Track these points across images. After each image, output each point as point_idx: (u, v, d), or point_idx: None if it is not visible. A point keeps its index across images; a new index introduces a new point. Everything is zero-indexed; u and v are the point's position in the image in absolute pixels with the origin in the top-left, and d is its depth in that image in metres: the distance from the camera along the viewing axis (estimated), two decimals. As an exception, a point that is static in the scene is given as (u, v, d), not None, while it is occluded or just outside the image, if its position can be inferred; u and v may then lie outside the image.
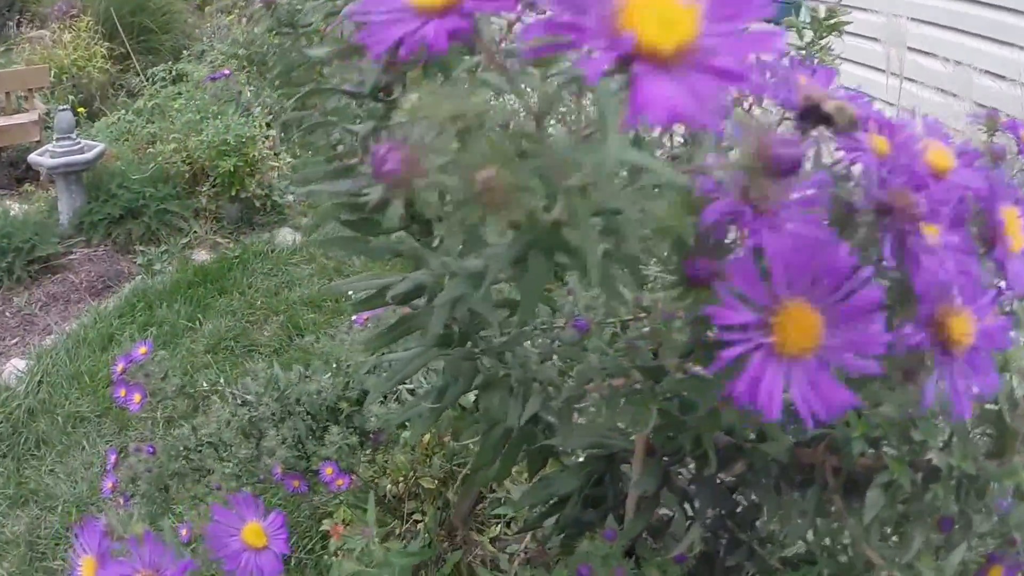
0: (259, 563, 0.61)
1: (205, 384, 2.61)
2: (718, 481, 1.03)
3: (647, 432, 1.02)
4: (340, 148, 0.88)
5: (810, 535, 0.99)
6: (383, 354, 2.07)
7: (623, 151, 0.39)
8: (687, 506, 1.09)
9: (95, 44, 4.93)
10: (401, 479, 2.54)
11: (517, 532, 1.32)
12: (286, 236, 4.03)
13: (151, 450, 1.91)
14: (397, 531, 2.50)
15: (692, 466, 1.06)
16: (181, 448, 1.94)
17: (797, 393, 0.43)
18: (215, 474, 1.90)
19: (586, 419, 1.07)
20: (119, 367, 1.85)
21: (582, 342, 0.86)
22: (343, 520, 2.53)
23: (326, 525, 2.48)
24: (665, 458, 1.01)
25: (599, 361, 0.82)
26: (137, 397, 1.83)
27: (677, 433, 0.86)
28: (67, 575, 0.72)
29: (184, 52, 4.58)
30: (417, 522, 2.47)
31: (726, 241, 0.51)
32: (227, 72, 2.20)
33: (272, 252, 3.91)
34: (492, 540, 2.01)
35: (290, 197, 4.20)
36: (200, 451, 1.96)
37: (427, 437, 2.43)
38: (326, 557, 2.43)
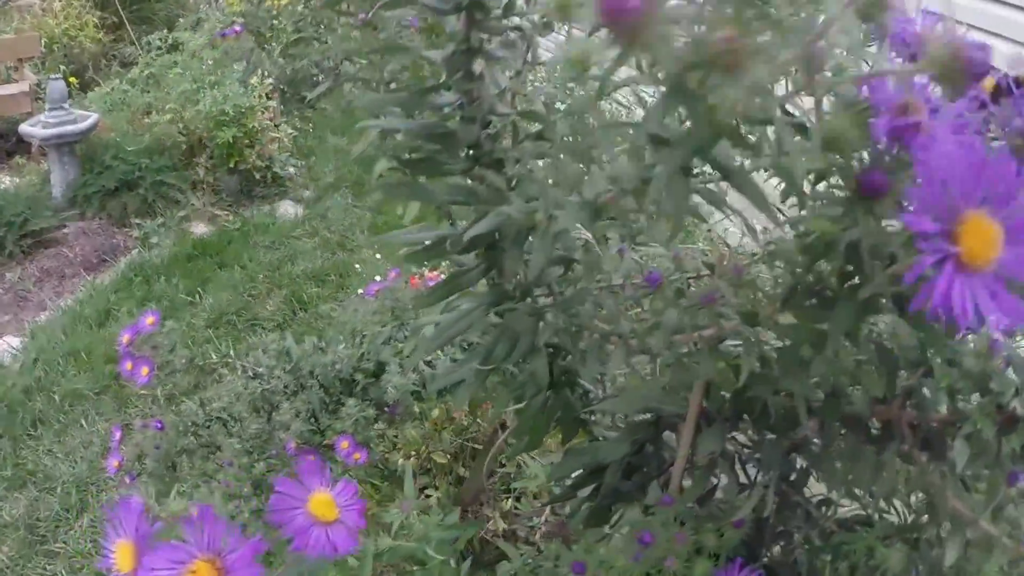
0: (332, 538, 0.55)
1: (214, 357, 2.54)
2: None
3: (700, 398, 0.97)
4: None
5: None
6: (414, 320, 2.02)
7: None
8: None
9: (86, 13, 4.81)
10: (413, 453, 2.49)
11: (546, 504, 1.26)
12: (287, 209, 3.95)
13: (159, 426, 1.84)
14: None
15: (749, 431, 1.00)
16: (189, 424, 1.87)
17: (982, 304, 0.42)
18: (225, 450, 1.84)
19: (635, 384, 1.01)
20: (125, 338, 1.77)
21: (659, 293, 0.80)
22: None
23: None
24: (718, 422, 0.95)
25: (678, 315, 0.75)
26: (145, 370, 1.75)
27: (762, 389, 0.80)
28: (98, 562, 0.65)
29: (179, 20, 4.46)
30: (428, 496, 2.42)
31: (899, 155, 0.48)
32: (238, 28, 2.10)
33: (273, 225, 3.83)
34: (504, 515, 1.96)
35: (291, 169, 4.12)
36: (209, 427, 1.90)
37: (436, 412, 2.38)
38: None
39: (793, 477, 1.02)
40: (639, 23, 0.36)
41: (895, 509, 1.00)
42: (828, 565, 1.00)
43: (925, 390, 0.86)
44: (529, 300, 0.86)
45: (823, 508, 1.02)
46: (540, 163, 0.73)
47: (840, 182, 0.55)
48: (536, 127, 0.77)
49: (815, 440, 0.94)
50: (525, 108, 0.77)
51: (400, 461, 2.42)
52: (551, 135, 0.74)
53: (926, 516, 0.95)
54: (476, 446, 2.50)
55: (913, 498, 0.97)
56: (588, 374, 1.14)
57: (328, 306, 3.37)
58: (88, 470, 2.54)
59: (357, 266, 3.61)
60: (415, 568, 1.08)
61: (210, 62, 3.76)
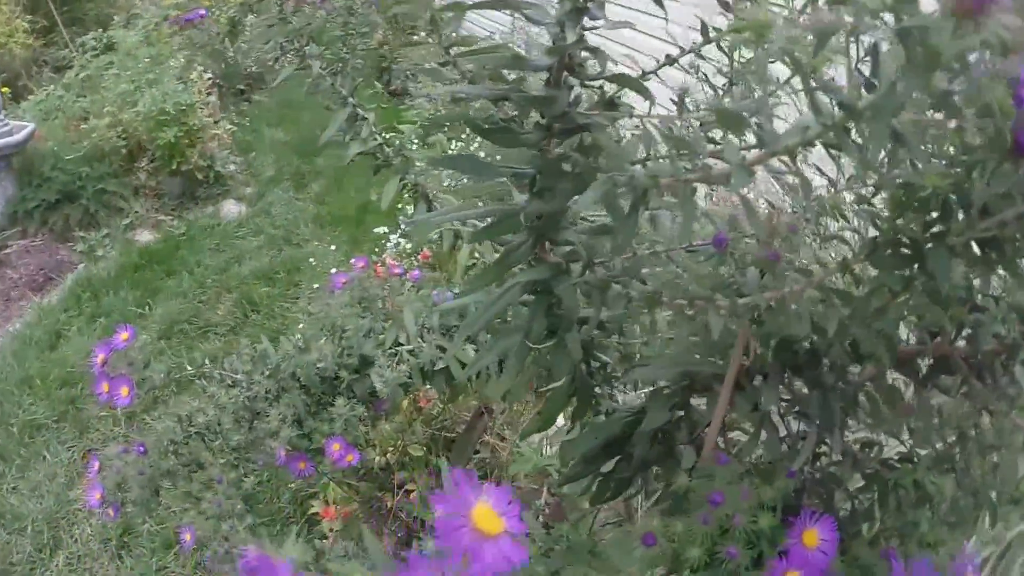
0: (503, 551, 0.49)
1: (190, 368, 2.45)
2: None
3: (740, 356, 0.95)
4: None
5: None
6: (385, 311, 1.96)
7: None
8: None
9: (15, 18, 4.59)
10: (390, 448, 2.44)
11: (563, 482, 1.23)
12: (231, 208, 3.84)
13: (142, 449, 1.73)
14: (389, 504, 2.41)
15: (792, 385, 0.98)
16: (168, 443, 1.78)
17: None
18: (209, 467, 1.75)
19: (676, 346, 0.99)
20: (99, 358, 1.66)
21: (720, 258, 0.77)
22: (332, 500, 2.42)
23: (315, 507, 2.37)
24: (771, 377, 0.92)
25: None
26: (124, 390, 1.64)
27: (822, 342, 0.78)
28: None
29: (114, 19, 4.27)
30: (409, 491, 2.37)
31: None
32: (202, 12, 2.01)
33: (218, 227, 3.72)
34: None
35: (232, 167, 4.00)
36: (188, 443, 1.81)
37: (405, 403, 2.33)
38: (316, 541, 2.32)
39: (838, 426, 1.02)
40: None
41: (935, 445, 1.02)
42: (876, 503, 1.00)
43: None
44: (585, 272, 0.82)
45: (867, 450, 1.02)
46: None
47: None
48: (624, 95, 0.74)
49: (866, 384, 0.93)
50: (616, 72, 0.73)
51: (377, 458, 2.38)
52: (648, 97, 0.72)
53: (958, 447, 0.98)
54: (448, 435, 2.47)
55: (949, 432, 1.00)
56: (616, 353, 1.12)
57: (281, 305, 3.30)
58: (56, 504, 2.43)
59: (312, 260, 3.53)
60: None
61: (147, 60, 3.61)
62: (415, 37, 4.80)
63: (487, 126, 0.72)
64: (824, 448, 1.06)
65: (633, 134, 0.77)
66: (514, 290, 0.86)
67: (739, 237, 0.87)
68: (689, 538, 0.86)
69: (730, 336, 0.97)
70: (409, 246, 2.97)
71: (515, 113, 0.73)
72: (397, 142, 1.57)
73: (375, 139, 1.57)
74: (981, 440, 0.99)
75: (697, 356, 1.00)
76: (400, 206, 3.40)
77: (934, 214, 0.73)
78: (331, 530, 2.37)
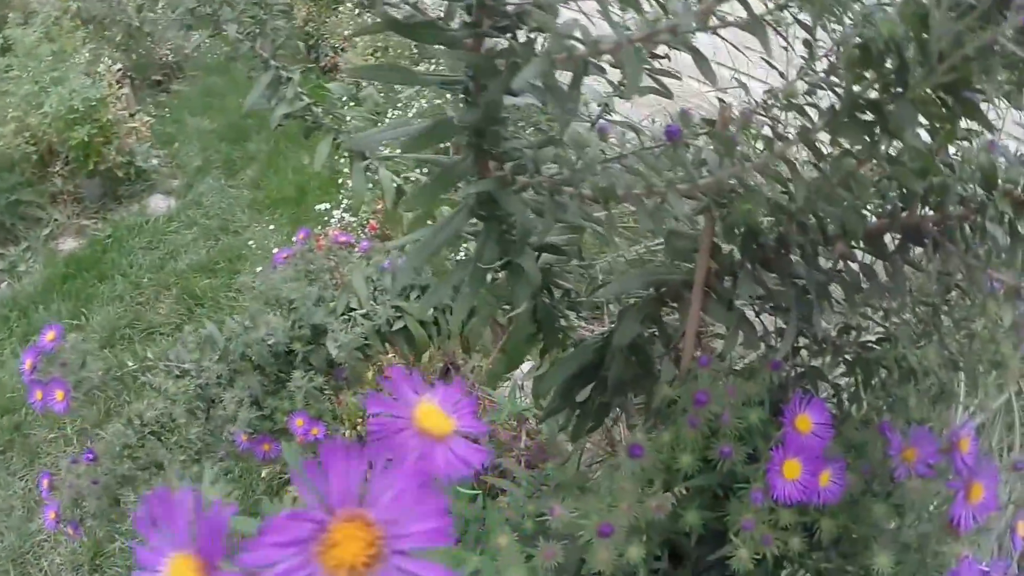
0: (459, 455, 0.42)
1: (131, 363, 2.35)
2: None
3: (707, 259, 0.92)
4: None
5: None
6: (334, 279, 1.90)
7: None
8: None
9: None
10: (359, 420, 2.39)
11: (542, 419, 1.20)
12: (158, 203, 3.71)
13: (91, 456, 1.64)
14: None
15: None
16: (120, 447, 1.70)
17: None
18: (168, 467, 1.68)
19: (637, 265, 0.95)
20: (27, 364, 1.57)
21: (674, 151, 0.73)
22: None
23: (292, 492, 2.31)
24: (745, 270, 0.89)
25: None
26: (60, 394, 1.55)
27: (789, 227, 0.75)
28: None
29: (9, 17, 4.05)
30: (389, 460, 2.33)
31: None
32: None
33: (146, 224, 3.59)
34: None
35: (155, 161, 3.85)
36: (143, 445, 1.73)
37: (371, 375, 2.28)
38: None
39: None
40: None
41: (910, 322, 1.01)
42: (861, 386, 0.99)
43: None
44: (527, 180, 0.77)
45: (845, 336, 1.00)
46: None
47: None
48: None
49: (838, 269, 0.91)
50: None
51: (347, 432, 2.33)
52: None
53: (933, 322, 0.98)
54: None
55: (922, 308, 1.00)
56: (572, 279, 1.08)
57: (226, 295, 3.20)
58: (19, 539, 2.33)
59: (251, 243, 3.43)
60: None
61: (49, 57, 3.43)
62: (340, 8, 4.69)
63: (411, 23, 0.66)
64: (803, 343, 1.04)
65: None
66: (459, 216, 0.81)
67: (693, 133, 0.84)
68: (678, 445, 0.82)
69: (693, 241, 0.94)
70: (355, 219, 2.89)
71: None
72: (326, 102, 1.49)
73: (301, 99, 1.50)
74: (954, 313, 0.99)
75: (662, 265, 0.97)
76: (341, 181, 3.33)
77: (890, 68, 0.70)
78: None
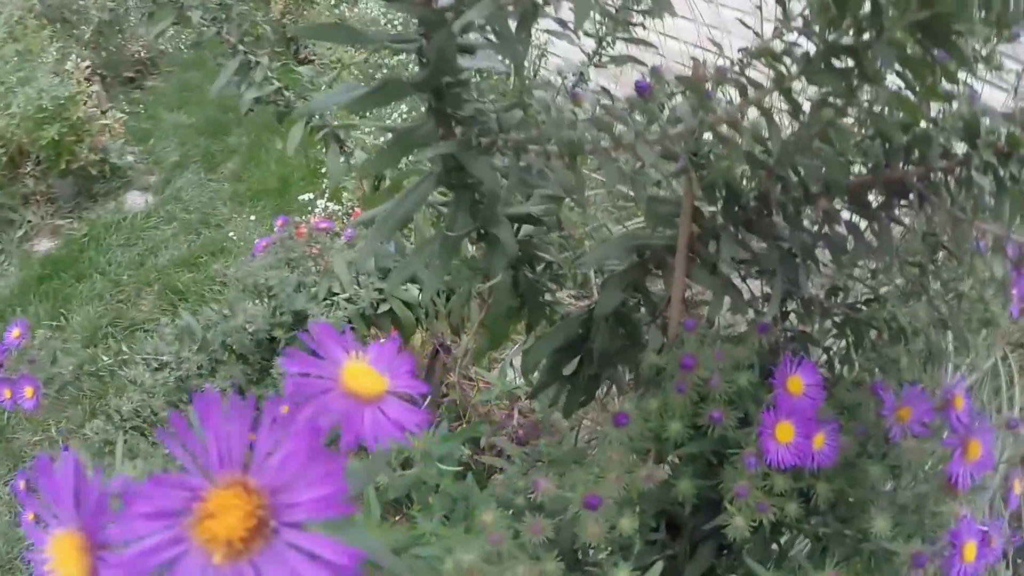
0: (391, 417, 0.38)
1: (105, 359, 2.32)
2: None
3: (689, 221, 0.89)
4: None
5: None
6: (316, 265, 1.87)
7: None
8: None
9: None
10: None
11: (531, 395, 1.17)
12: (135, 200, 3.66)
13: (67, 452, 1.60)
14: None
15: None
16: (101, 443, 1.67)
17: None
18: (154, 459, 1.64)
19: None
20: (-7, 363, 1.52)
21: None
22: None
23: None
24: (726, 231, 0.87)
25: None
26: (29, 391, 1.50)
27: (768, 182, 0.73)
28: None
29: None
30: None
31: None
32: None
33: (124, 221, 3.54)
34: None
35: (130, 157, 3.80)
36: (125, 441, 1.70)
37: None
38: None
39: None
40: None
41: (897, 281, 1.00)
42: (852, 347, 0.98)
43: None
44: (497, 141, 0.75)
45: (833, 297, 0.98)
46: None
47: None
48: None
49: (822, 228, 0.89)
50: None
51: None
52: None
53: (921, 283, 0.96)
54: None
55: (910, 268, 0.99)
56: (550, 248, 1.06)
57: (210, 288, 3.16)
58: (6, 545, 2.27)
59: (232, 235, 3.39)
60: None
61: (14, 57, 3.37)
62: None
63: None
64: (792, 308, 1.02)
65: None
66: (425, 184, 0.78)
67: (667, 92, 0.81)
68: (667, 413, 0.80)
69: (674, 205, 0.91)
70: (339, 208, 2.86)
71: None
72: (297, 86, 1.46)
73: (271, 83, 1.46)
74: (942, 273, 0.97)
75: (643, 231, 0.95)
76: (323, 170, 3.28)
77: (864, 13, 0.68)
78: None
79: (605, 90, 0.74)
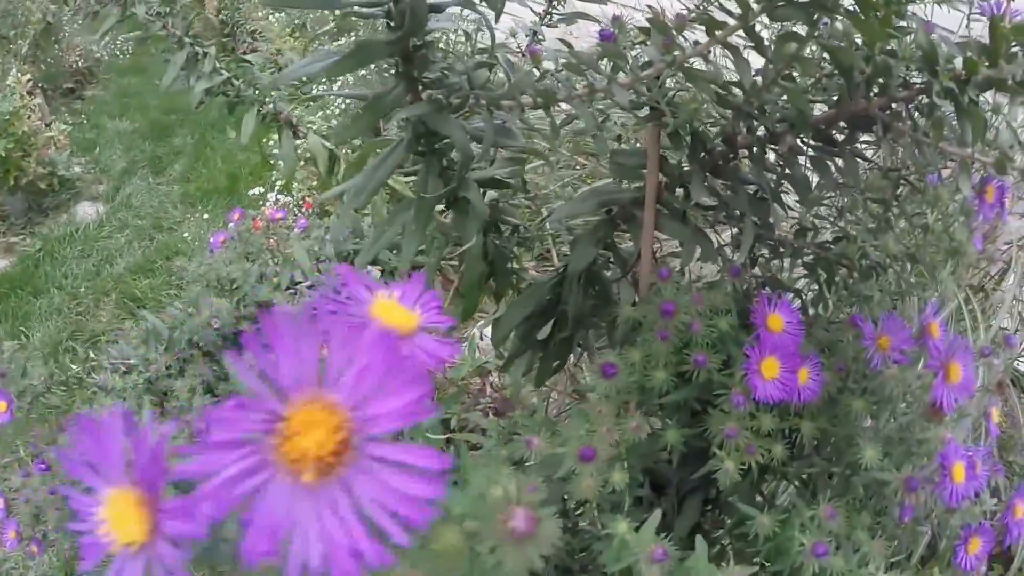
0: (428, 351, 0.37)
1: (74, 367, 2.27)
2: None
3: (656, 172, 0.89)
4: None
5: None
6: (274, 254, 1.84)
7: None
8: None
9: None
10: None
11: (504, 367, 1.16)
12: (86, 210, 3.59)
13: (44, 466, 1.57)
14: None
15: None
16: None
17: None
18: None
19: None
20: (-39, 379, 1.49)
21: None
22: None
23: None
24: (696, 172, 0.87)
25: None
26: (2, 405, 1.49)
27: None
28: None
29: None
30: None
31: None
32: None
33: (77, 232, 3.47)
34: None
35: (77, 168, 3.73)
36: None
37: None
38: None
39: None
40: None
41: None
42: (824, 286, 0.98)
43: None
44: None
45: (802, 238, 0.98)
46: None
47: None
48: None
49: (785, 168, 0.89)
50: None
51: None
52: None
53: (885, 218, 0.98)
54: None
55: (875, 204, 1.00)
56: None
57: (168, 293, 3.12)
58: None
59: (187, 235, 3.34)
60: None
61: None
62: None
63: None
64: (761, 252, 1.03)
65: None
66: (396, 151, 0.77)
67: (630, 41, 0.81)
68: (650, 362, 0.80)
69: (639, 156, 0.91)
70: (290, 199, 2.84)
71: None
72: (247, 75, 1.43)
73: (220, 74, 1.43)
74: (906, 207, 0.98)
75: (611, 185, 0.94)
76: (273, 162, 3.25)
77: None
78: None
79: (567, 43, 0.73)
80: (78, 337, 3.04)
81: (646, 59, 0.72)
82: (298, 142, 1.61)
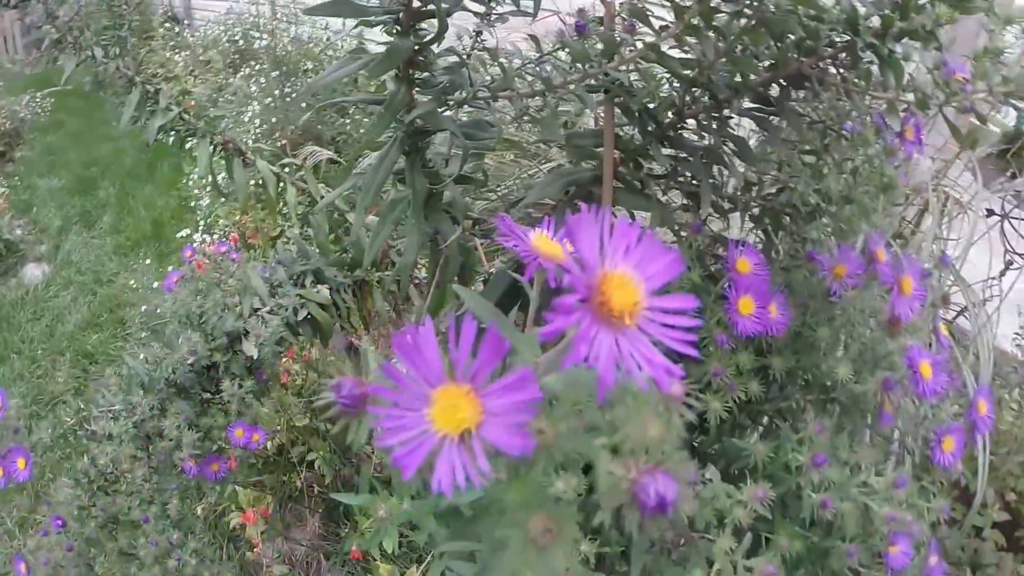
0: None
1: (69, 420, 2.29)
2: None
3: (612, 148, 0.96)
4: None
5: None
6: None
7: None
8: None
9: None
10: (277, 429, 2.37)
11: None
12: (33, 272, 3.57)
13: (60, 522, 1.58)
14: (299, 484, 2.35)
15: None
16: (77, 510, 1.64)
17: None
18: (134, 511, 1.63)
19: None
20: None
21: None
22: (248, 503, 2.34)
23: (233, 519, 2.28)
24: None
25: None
26: (21, 462, 1.48)
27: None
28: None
29: None
30: (312, 463, 2.33)
31: None
32: None
33: (27, 295, 3.45)
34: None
35: (18, 231, 3.70)
36: (94, 504, 1.66)
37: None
38: (249, 554, 2.25)
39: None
40: None
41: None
42: (772, 233, 1.06)
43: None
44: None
45: (747, 192, 1.06)
46: None
47: None
48: None
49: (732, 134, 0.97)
50: None
51: (270, 443, 2.31)
52: None
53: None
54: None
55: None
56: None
57: (115, 345, 3.13)
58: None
59: (132, 283, 3.35)
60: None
61: None
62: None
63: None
64: (708, 213, 1.11)
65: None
66: (393, 150, 0.84)
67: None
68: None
69: (595, 136, 0.98)
70: (216, 236, 2.88)
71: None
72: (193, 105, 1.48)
73: (172, 108, 1.47)
74: (835, 153, 1.06)
75: (570, 168, 1.01)
76: (192, 204, 3.26)
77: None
78: (260, 535, 2.30)
79: (533, 37, 0.80)
80: (40, 400, 3.02)
81: (602, 46, 0.80)
82: (248, 169, 1.66)
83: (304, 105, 3.22)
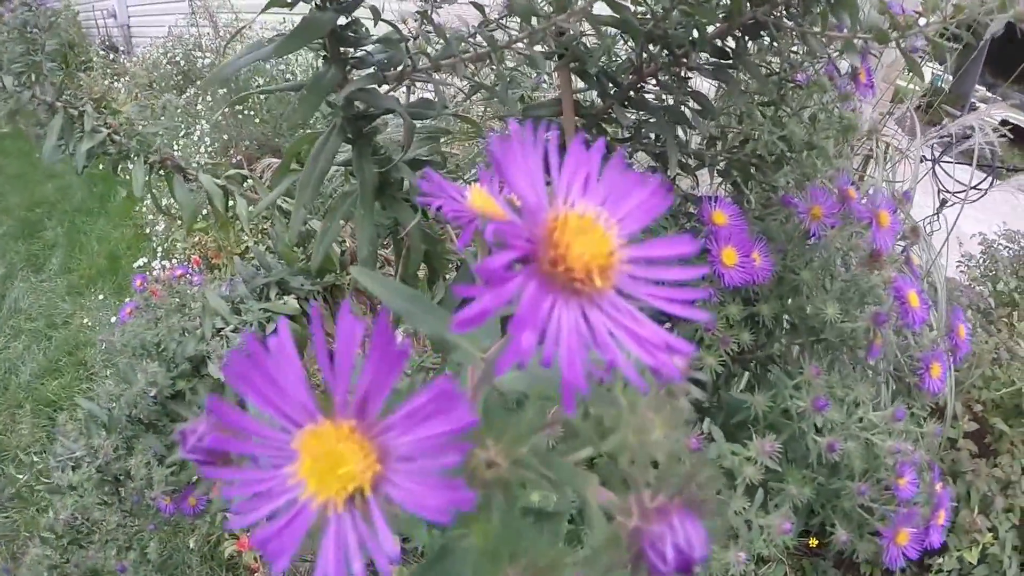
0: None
1: (22, 478, 2.19)
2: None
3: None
4: None
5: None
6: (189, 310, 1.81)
7: None
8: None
9: None
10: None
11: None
12: (-24, 324, 3.45)
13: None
14: None
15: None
16: (47, 569, 1.57)
17: None
18: (109, 561, 1.56)
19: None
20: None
21: None
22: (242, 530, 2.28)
23: (228, 547, 2.22)
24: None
25: None
26: None
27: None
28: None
29: None
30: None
31: None
32: None
33: (-26, 349, 3.33)
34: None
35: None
36: (67, 560, 1.59)
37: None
38: None
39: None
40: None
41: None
42: (742, 183, 1.04)
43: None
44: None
45: (713, 146, 1.05)
46: None
47: None
48: None
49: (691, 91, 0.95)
50: None
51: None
52: None
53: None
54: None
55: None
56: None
57: (80, 387, 3.03)
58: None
59: (86, 321, 3.25)
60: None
61: None
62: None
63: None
64: (675, 173, 1.09)
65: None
66: (332, 138, 0.80)
67: None
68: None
69: (553, 104, 0.95)
70: (175, 261, 2.80)
71: None
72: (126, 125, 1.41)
73: (101, 129, 1.41)
74: (792, 103, 1.05)
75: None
76: (148, 231, 3.16)
77: None
78: (255, 559, 2.24)
79: (477, 5, 0.77)
80: (3, 458, 2.92)
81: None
82: (190, 184, 1.60)
83: (223, 92, 3.15)
